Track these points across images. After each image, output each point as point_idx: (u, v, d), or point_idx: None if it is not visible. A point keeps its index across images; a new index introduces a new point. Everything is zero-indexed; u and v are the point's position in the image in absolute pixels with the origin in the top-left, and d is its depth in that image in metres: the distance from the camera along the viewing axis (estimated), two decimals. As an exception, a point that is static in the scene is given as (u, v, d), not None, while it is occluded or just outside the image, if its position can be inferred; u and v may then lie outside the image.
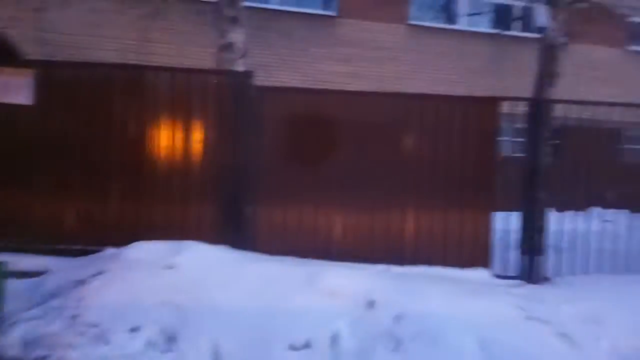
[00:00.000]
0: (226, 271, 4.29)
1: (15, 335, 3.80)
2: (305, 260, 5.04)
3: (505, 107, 5.57)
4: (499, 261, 5.49)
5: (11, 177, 5.10)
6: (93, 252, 4.96)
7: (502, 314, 4.15)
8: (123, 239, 4.86)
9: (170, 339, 3.75)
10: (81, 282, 4.17)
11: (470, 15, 11.14)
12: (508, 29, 10.42)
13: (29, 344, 3.75)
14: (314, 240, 5.35)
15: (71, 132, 5.17)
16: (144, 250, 4.42)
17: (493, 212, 5.44)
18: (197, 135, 5.33)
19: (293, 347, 3.74)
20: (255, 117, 5.34)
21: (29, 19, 8.90)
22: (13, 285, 4.22)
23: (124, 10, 9.25)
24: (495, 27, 10.93)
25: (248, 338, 3.75)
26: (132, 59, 8.82)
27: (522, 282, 5.30)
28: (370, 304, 4.13)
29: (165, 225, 5.17)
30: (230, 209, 5.28)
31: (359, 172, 5.42)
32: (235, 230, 5.25)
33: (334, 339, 3.83)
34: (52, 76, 5.16)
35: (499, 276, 5.36)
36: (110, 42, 9.19)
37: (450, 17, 11.22)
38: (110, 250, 4.82)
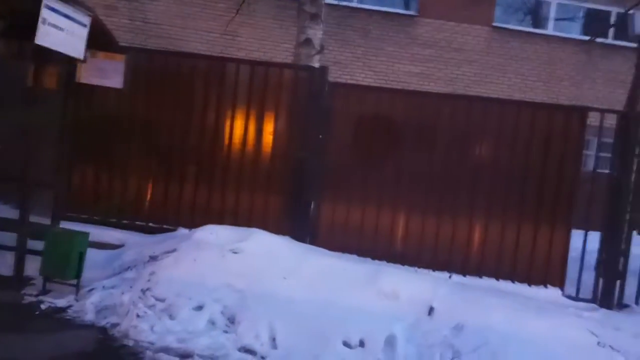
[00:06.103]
0: (288, 261, 4.37)
1: (91, 302, 4.12)
2: (364, 260, 5.02)
3: (592, 119, 5.23)
4: (571, 282, 5.17)
5: (98, 156, 5.49)
6: (167, 230, 5.28)
7: (571, 338, 3.90)
8: (195, 220, 5.16)
9: (230, 320, 3.90)
10: (154, 258, 4.43)
11: (560, 20, 10.50)
12: (601, 36, 9.69)
13: (102, 310, 4.06)
14: (375, 240, 5.32)
15: (155, 116, 5.48)
16: (213, 234, 4.61)
17: (571, 229, 5.15)
18: (269, 127, 5.46)
19: (347, 344, 3.75)
20: (326, 113, 5.39)
21: (124, 8, 9.55)
22: (93, 255, 4.58)
23: (209, 4, 9.66)
24: (586, 33, 10.23)
25: (304, 329, 3.80)
26: (215, 51, 9.21)
27: (596, 306, 4.97)
28: (429, 311, 4.05)
29: (233, 211, 5.38)
30: (294, 201, 5.38)
31: (426, 175, 5.31)
32: (297, 222, 5.34)
33: (389, 342, 3.79)
34: (141, 63, 5.47)
35: (570, 297, 5.07)
36: (195, 34, 9.64)
37: (539, 21, 10.65)
38: (182, 231, 5.11)
